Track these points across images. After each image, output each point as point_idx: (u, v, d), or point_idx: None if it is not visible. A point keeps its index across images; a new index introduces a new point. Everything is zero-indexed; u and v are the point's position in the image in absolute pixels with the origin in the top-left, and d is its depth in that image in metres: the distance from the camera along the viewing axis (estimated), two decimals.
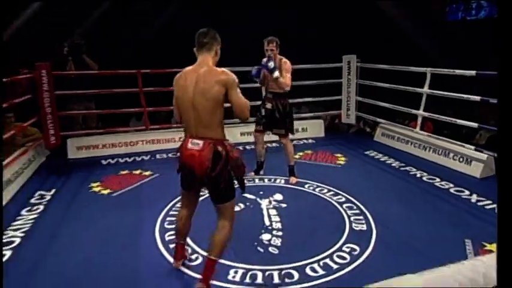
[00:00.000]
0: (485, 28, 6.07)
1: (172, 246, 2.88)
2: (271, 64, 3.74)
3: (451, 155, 4.65)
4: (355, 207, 3.52)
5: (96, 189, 4.08)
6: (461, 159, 4.53)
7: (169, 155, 5.26)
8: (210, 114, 2.17)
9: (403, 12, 6.63)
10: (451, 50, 6.25)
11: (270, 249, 2.86)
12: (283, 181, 4.19)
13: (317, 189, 3.96)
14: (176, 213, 3.42)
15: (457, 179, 4.19)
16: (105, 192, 4.01)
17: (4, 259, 2.76)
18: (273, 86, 4.02)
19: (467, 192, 3.85)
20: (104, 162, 5.05)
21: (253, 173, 4.32)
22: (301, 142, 5.86)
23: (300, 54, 5.56)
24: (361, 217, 3.34)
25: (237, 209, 3.49)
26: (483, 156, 4.27)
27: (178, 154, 2.38)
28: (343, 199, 3.70)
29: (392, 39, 7.09)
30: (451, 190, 3.91)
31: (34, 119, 4.83)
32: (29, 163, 4.60)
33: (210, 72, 2.20)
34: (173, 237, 3.01)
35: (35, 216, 3.48)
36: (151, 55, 7.07)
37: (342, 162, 4.94)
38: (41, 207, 3.67)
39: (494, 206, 3.56)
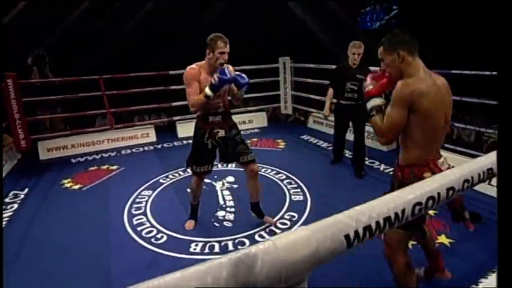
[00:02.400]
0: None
1: (140, 228, 2.83)
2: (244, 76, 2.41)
3: (366, 134, 4.93)
4: (293, 183, 3.65)
5: (68, 185, 3.84)
6: (373, 137, 4.84)
7: (133, 150, 5.09)
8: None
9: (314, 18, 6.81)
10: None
11: (225, 223, 2.90)
12: (234, 165, 4.21)
13: (262, 170, 4.03)
14: (142, 199, 3.36)
15: (370, 153, 4.43)
16: (76, 187, 3.79)
17: None
18: (220, 104, 2.53)
19: (377, 163, 4.15)
20: (73, 160, 4.75)
21: (192, 223, 2.83)
22: (248, 132, 5.92)
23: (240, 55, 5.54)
24: (298, 190, 3.48)
25: None
26: None
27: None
28: (284, 176, 3.81)
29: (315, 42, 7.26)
30: (366, 162, 4.14)
31: (3, 125, 4.43)
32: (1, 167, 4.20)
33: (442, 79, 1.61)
34: (140, 220, 2.97)
35: (10, 214, 3.21)
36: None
37: (282, 147, 5.07)
38: (15, 205, 3.39)
39: None
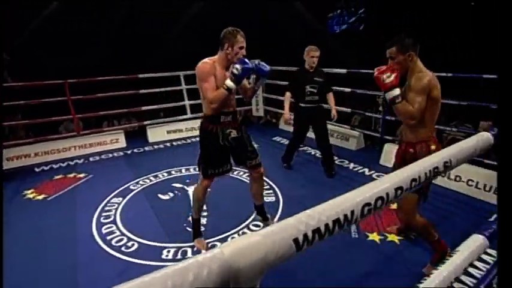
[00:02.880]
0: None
1: (109, 237, 2.75)
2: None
3: (335, 134, 5.08)
4: (265, 184, 3.67)
5: (31, 196, 3.66)
6: (342, 137, 4.98)
7: (102, 156, 4.93)
8: None
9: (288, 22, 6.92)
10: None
11: None
12: None
13: (235, 173, 4.04)
14: (112, 207, 3.26)
15: (339, 152, 4.58)
16: (40, 197, 3.61)
17: None
18: (233, 101, 2.45)
19: (346, 162, 4.27)
20: (37, 169, 4.52)
21: (203, 242, 2.65)
22: None
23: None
24: (270, 191, 3.52)
25: (166, 197, 3.46)
26: (356, 133, 4.77)
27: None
28: None
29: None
30: (336, 162, 4.24)
31: None
32: None
33: None
34: (110, 229, 2.88)
35: None
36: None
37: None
38: None
39: (365, 169, 4.04)
